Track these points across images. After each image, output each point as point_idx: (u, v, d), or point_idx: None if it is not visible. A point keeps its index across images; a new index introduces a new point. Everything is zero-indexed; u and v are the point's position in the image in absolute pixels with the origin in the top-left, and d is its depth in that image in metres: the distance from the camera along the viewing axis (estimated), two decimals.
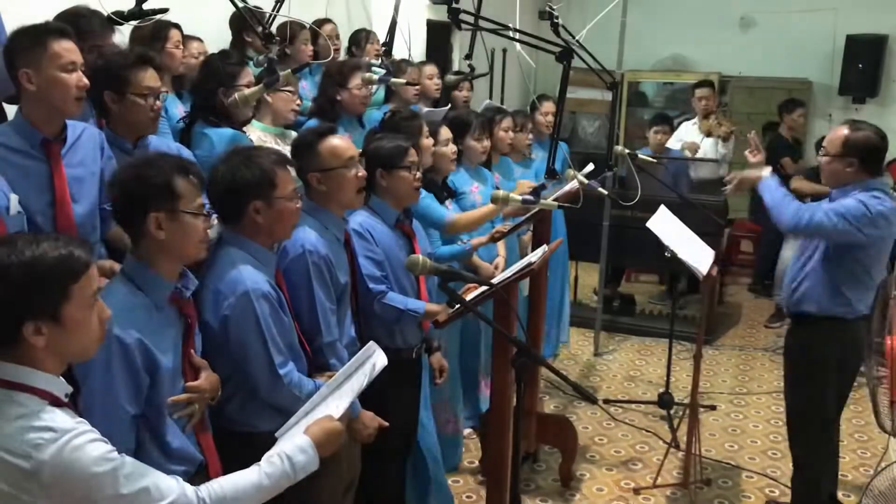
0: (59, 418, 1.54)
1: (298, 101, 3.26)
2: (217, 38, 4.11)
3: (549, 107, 5.00)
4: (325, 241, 2.62)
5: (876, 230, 3.10)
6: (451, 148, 3.69)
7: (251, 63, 3.92)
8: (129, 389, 1.91)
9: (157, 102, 2.59)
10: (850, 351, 3.29)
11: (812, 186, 5.57)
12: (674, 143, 6.52)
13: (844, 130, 3.21)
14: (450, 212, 3.61)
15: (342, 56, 4.80)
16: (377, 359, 2.07)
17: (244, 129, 3.19)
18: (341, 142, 2.71)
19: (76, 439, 1.52)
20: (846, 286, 3.20)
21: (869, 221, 3.07)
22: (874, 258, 3.21)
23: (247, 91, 2.82)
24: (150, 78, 2.56)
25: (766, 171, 3.29)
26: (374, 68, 3.95)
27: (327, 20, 4.75)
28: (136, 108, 2.56)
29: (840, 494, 3.64)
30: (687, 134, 6.56)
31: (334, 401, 1.98)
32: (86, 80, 2.34)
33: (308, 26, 4.24)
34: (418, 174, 3.00)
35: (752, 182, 3.40)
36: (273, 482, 1.77)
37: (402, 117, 3.51)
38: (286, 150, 2.85)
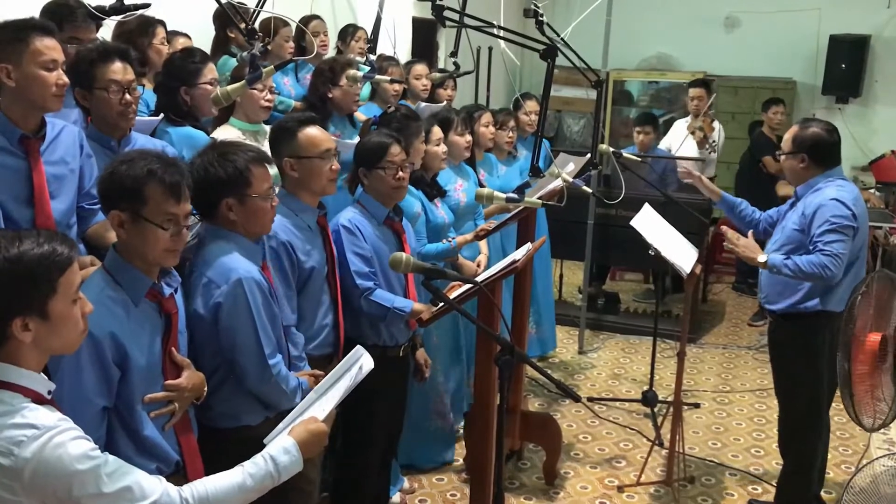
0: (41, 415, 1.54)
1: (270, 97, 3.25)
2: (201, 33, 4.08)
3: (532, 105, 5.01)
4: (288, 227, 2.63)
5: (860, 219, 3.17)
6: (442, 147, 3.69)
7: (235, 59, 3.90)
8: (99, 381, 1.91)
9: (128, 96, 2.54)
10: (813, 345, 3.30)
11: None
12: (666, 141, 6.53)
13: (795, 128, 3.33)
14: (452, 242, 3.67)
15: (331, 53, 4.79)
16: (364, 362, 2.07)
17: (220, 127, 3.18)
18: (319, 132, 2.73)
19: (58, 436, 1.52)
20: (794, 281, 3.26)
21: (853, 217, 3.14)
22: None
23: (228, 87, 2.81)
24: (115, 71, 2.52)
25: (762, 258, 3.24)
26: (359, 65, 3.94)
27: (314, 16, 4.73)
28: (103, 102, 2.53)
29: (822, 492, 3.67)
30: (678, 132, 6.58)
31: (321, 405, 1.98)
32: (65, 79, 2.32)
33: (294, 23, 4.22)
34: (400, 173, 3.00)
35: (750, 259, 3.31)
36: (256, 483, 1.77)
37: (402, 115, 3.51)
38: (265, 146, 2.84)
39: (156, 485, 1.64)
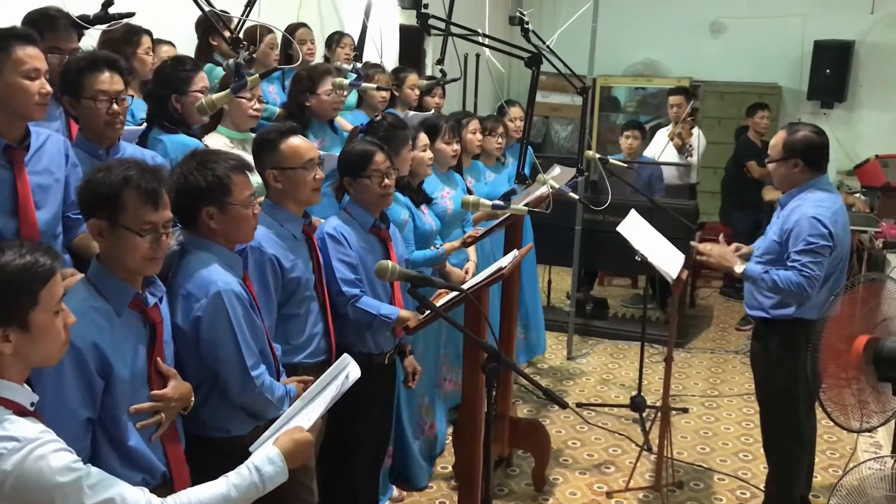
0: (22, 428, 1.53)
1: (258, 106, 3.24)
2: (186, 42, 4.07)
3: (516, 112, 5.03)
4: (274, 239, 2.63)
5: (834, 231, 3.16)
6: (429, 154, 3.69)
7: (220, 67, 3.88)
8: (82, 392, 1.89)
9: (116, 106, 2.53)
10: (790, 351, 3.30)
11: None
12: (650, 150, 6.57)
13: (783, 134, 3.30)
14: (440, 249, 3.66)
15: (318, 60, 4.78)
16: (350, 370, 2.06)
17: (208, 135, 3.17)
18: (302, 143, 2.72)
19: (39, 449, 1.51)
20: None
21: (830, 235, 3.14)
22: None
23: (214, 96, 2.80)
24: (104, 81, 2.51)
25: (739, 268, 3.29)
26: (347, 73, 3.94)
27: (301, 24, 4.73)
28: (90, 111, 2.52)
29: (810, 495, 3.68)
30: (660, 141, 6.61)
31: (306, 413, 1.97)
32: (48, 87, 2.31)
33: (280, 32, 4.21)
34: (386, 181, 2.99)
35: (726, 269, 3.40)
36: (241, 493, 1.76)
37: (389, 123, 3.50)
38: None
39: (139, 496, 1.63)
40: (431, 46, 6.92)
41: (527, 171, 3.59)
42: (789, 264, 3.17)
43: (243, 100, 3.13)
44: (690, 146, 6.43)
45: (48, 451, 1.52)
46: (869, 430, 3.35)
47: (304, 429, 1.91)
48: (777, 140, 3.30)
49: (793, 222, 3.19)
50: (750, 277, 3.25)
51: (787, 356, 3.30)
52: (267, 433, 1.94)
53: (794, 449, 3.44)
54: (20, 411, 1.57)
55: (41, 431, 1.55)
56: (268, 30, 4.13)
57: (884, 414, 3.06)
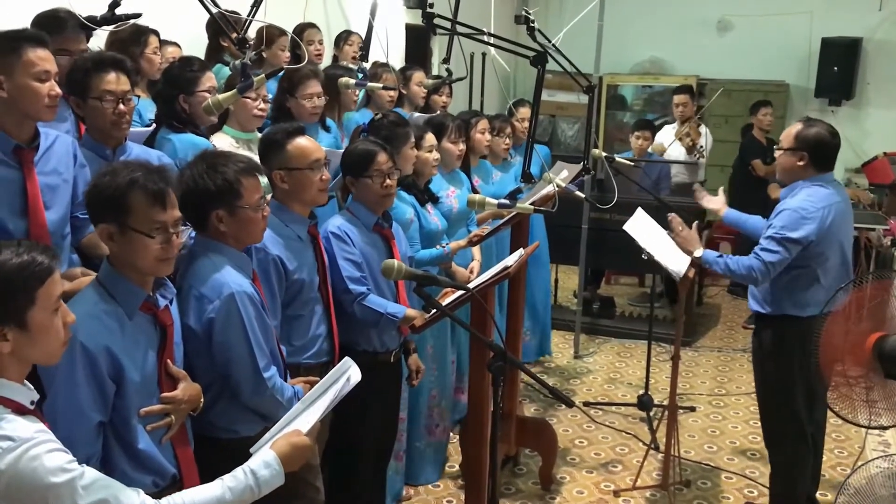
0: (19, 427, 1.53)
1: (264, 106, 3.25)
2: (192, 42, 4.09)
3: (525, 112, 5.02)
4: (279, 239, 2.63)
5: (815, 230, 3.16)
6: (434, 155, 3.69)
7: (228, 67, 3.89)
8: (94, 396, 1.89)
9: (122, 106, 2.55)
10: (782, 349, 3.31)
11: None
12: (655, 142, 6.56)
13: (798, 125, 3.32)
14: (446, 248, 3.65)
15: (327, 60, 4.79)
16: (352, 374, 2.06)
17: (213, 135, 3.18)
18: (309, 143, 2.73)
19: (34, 449, 1.51)
20: (779, 287, 3.28)
21: (806, 225, 3.14)
22: (810, 260, 3.23)
23: (220, 96, 2.81)
24: (110, 81, 2.52)
25: (698, 253, 3.39)
26: (355, 72, 3.93)
27: (309, 24, 4.73)
28: (96, 111, 2.54)
29: (817, 493, 3.67)
30: (664, 137, 6.61)
31: (305, 417, 1.97)
32: (58, 89, 2.32)
33: (289, 34, 4.22)
34: (388, 181, 2.99)
35: (687, 252, 3.49)
36: (236, 496, 1.76)
37: (390, 122, 3.50)
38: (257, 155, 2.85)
39: (133, 498, 1.63)
40: (437, 46, 6.92)
41: (535, 170, 3.58)
42: (755, 248, 3.22)
43: (248, 100, 3.14)
44: (702, 147, 6.42)
45: (42, 452, 1.52)
46: (879, 428, 3.34)
47: (301, 433, 1.91)
48: (790, 131, 3.31)
49: (779, 210, 3.23)
50: (707, 262, 3.35)
51: (777, 352, 3.32)
52: (267, 436, 1.95)
53: (794, 446, 3.43)
54: (19, 410, 1.57)
55: (37, 431, 1.55)
56: (279, 30, 4.14)
57: (894, 412, 3.05)
